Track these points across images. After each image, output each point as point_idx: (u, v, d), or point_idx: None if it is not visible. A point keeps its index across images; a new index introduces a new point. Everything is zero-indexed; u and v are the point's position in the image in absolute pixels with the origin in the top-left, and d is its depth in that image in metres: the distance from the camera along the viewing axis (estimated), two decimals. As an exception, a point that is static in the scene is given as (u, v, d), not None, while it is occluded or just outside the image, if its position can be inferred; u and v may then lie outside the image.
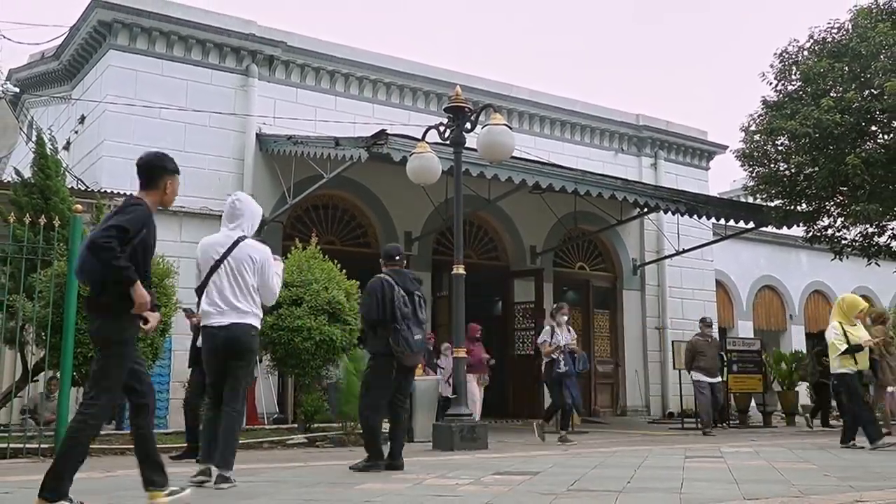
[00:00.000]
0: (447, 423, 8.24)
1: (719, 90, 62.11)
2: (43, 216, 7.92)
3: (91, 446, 7.74)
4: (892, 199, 12.08)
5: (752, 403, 14.30)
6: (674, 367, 14.16)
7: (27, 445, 7.42)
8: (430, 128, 8.87)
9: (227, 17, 12.53)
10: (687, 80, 62.63)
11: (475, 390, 11.28)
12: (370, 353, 5.96)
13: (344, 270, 10.10)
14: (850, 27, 12.17)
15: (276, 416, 11.58)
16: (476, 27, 63.86)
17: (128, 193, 11.00)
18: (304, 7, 62.79)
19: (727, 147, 17.54)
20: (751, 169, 13.14)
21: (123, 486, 5.02)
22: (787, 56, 12.70)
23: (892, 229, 13.22)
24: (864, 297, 10.19)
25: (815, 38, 12.49)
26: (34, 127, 13.01)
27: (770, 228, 15.30)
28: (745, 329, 18.82)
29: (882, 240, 13.33)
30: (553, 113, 15.70)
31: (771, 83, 12.86)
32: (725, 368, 13.08)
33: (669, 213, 13.83)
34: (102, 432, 9.12)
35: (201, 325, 5.11)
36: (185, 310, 7.89)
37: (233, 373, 4.90)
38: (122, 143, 11.37)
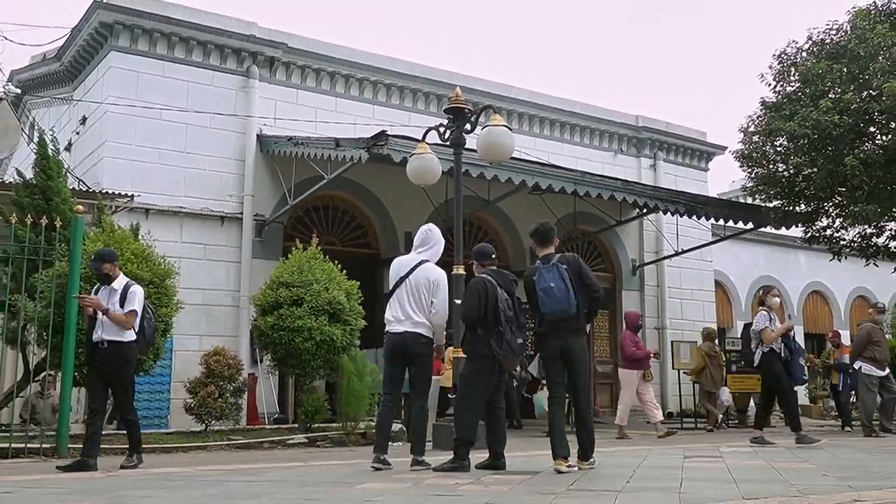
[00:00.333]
0: (448, 423, 8.27)
1: (718, 91, 62.20)
2: (44, 217, 7.97)
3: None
4: (891, 200, 12.12)
5: (752, 403, 14.34)
6: (673, 368, 14.20)
7: (28, 445, 7.45)
8: (430, 129, 8.89)
9: (228, 18, 12.56)
10: (686, 81, 62.71)
11: (646, 391, 10.74)
12: (470, 354, 5.78)
13: (344, 271, 10.14)
14: (848, 28, 12.21)
15: (276, 415, 11.62)
16: (473, 28, 63.94)
17: (129, 194, 11.18)
18: (304, 7, 62.84)
19: (726, 148, 17.59)
20: (750, 170, 13.17)
21: (124, 486, 5.08)
22: (785, 57, 12.73)
23: (891, 230, 13.24)
24: (860, 297, 10.40)
25: (813, 39, 12.52)
26: (36, 128, 13.04)
27: (769, 229, 15.34)
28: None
29: (880, 240, 13.35)
30: (553, 114, 15.74)
31: (770, 84, 12.90)
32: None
33: (669, 213, 13.87)
34: (104, 432, 9.20)
35: (385, 331, 6.03)
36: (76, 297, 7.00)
37: (412, 374, 5.91)
38: (123, 144, 11.43)
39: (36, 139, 10.18)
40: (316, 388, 10.40)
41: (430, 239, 6.10)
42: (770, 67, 12.87)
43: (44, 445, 7.45)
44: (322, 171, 11.11)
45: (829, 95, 11.95)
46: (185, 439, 8.82)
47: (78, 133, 12.68)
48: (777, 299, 8.76)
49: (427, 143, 8.86)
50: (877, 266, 14.21)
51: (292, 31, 13.25)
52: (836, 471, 5.50)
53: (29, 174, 9.93)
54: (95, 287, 6.63)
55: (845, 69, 11.93)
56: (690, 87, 62.62)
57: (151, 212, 11.40)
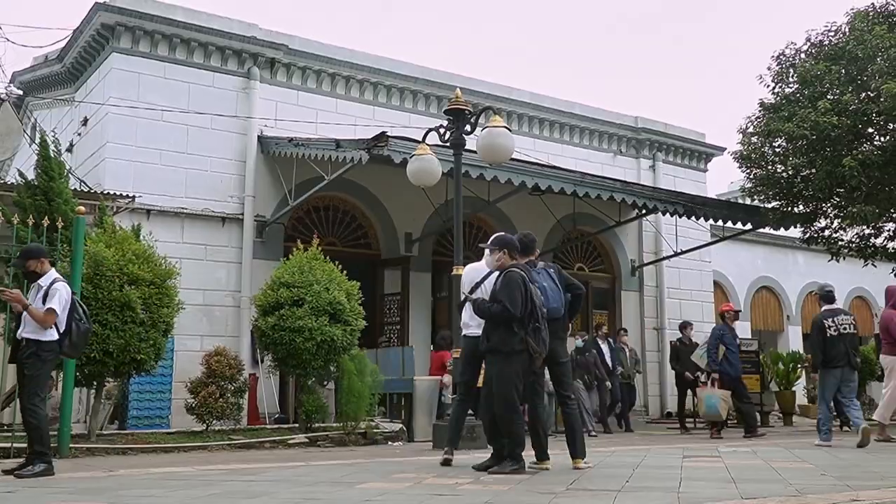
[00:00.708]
0: (447, 422, 8.30)
1: (717, 93, 62.20)
2: (46, 218, 7.99)
3: (94, 446, 7.87)
4: (889, 201, 12.17)
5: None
6: (672, 368, 14.23)
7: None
8: (430, 130, 8.93)
9: (229, 20, 12.58)
10: (685, 83, 62.72)
11: None
12: (506, 352, 5.52)
13: (345, 271, 10.16)
14: (846, 30, 12.26)
15: (277, 415, 11.65)
16: (473, 34, 63.95)
17: (130, 195, 11.20)
18: (305, 7, 62.83)
19: (725, 149, 17.63)
20: (748, 171, 13.21)
21: (125, 486, 5.09)
22: (784, 59, 12.78)
23: (889, 230, 13.30)
24: (858, 297, 10.51)
25: (812, 41, 12.57)
26: (37, 129, 13.05)
27: (767, 230, 15.40)
28: (742, 329, 18.81)
29: (878, 241, 13.41)
30: (552, 115, 15.77)
31: (768, 86, 12.95)
32: None
33: (668, 214, 13.90)
34: (105, 432, 9.24)
35: (462, 334, 6.27)
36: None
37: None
38: (124, 145, 11.45)
39: (38, 140, 10.21)
40: (319, 390, 10.43)
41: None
42: (769, 69, 12.93)
43: (46, 445, 7.47)
44: (322, 172, 11.15)
45: (828, 97, 12.00)
46: (186, 439, 8.84)
47: (79, 134, 12.71)
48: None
49: (427, 145, 8.90)
50: (875, 267, 14.26)
51: (293, 33, 13.27)
52: (834, 470, 5.53)
53: (31, 175, 9.96)
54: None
55: (844, 70, 11.98)
56: (689, 89, 62.67)
57: (153, 212, 11.43)
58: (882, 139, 12.15)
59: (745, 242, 18.49)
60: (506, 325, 5.51)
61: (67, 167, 10.61)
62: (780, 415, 15.09)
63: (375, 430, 9.71)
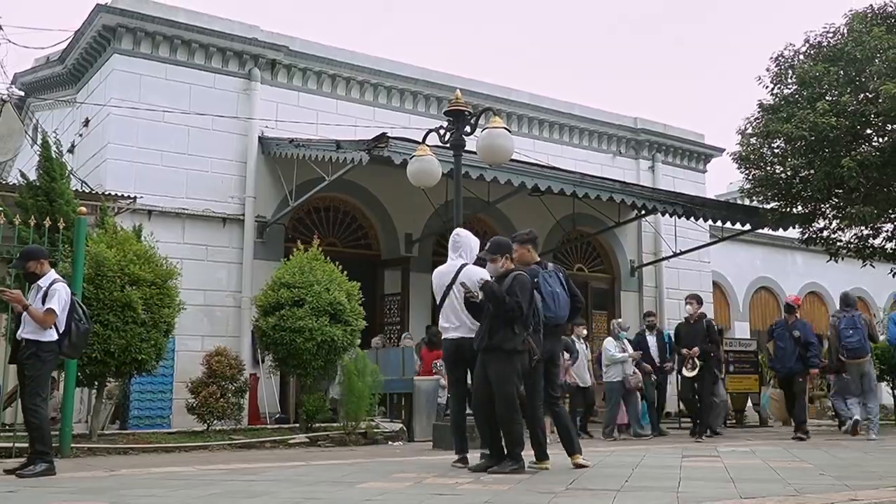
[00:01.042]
0: (447, 422, 8.33)
1: (716, 94, 62.26)
2: (48, 218, 8.02)
3: (95, 446, 7.90)
4: (887, 202, 12.21)
5: (749, 403, 14.41)
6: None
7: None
8: (430, 131, 8.96)
9: (230, 21, 12.63)
10: (684, 85, 62.78)
11: None
12: (504, 348, 5.49)
13: (345, 272, 10.19)
14: (845, 31, 12.27)
15: (277, 415, 11.68)
16: (473, 36, 63.99)
17: (131, 196, 11.23)
18: (306, 8, 62.87)
19: (724, 150, 17.65)
20: (747, 171, 13.23)
21: (127, 485, 5.11)
22: (783, 60, 12.80)
23: (887, 231, 13.32)
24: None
25: (810, 42, 12.59)
26: (39, 130, 13.11)
27: (766, 230, 15.42)
28: (741, 330, 18.96)
29: (877, 242, 13.42)
30: (552, 116, 15.81)
31: (767, 87, 12.96)
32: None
33: (667, 215, 13.93)
34: (107, 432, 9.28)
35: (442, 337, 6.18)
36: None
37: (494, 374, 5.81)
38: (126, 146, 11.49)
39: (39, 141, 10.26)
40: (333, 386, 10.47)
41: (460, 243, 6.23)
42: (767, 70, 12.95)
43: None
44: (323, 172, 11.18)
45: (826, 98, 12.02)
46: (187, 439, 8.87)
47: (81, 135, 12.75)
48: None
49: (427, 146, 8.93)
50: (873, 267, 14.29)
51: (294, 35, 13.32)
52: (833, 470, 5.55)
53: (32, 176, 10.01)
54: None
55: (842, 72, 12.00)
56: (689, 90, 62.72)
57: (154, 213, 11.47)
58: (880, 140, 12.18)
59: (744, 243, 18.53)
60: (508, 325, 5.49)
61: (69, 168, 10.65)
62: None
63: (376, 430, 9.74)
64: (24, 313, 6.00)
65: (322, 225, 13.24)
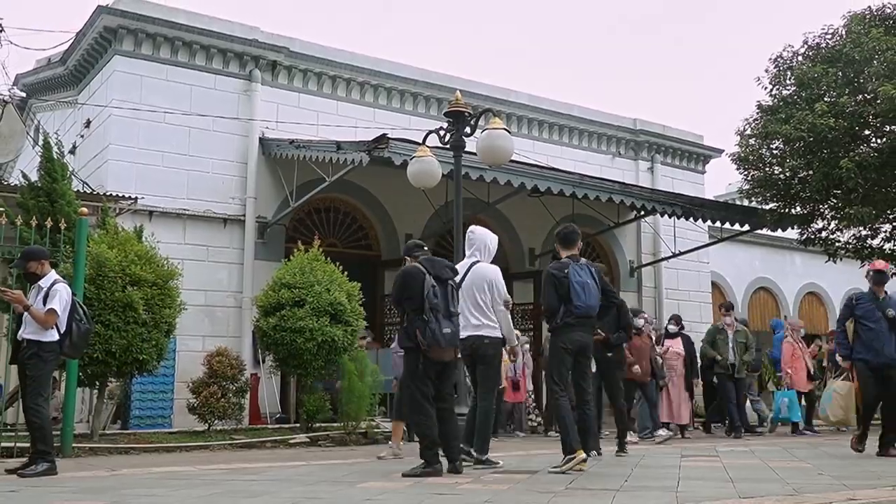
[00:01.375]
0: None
1: (716, 95, 62.29)
2: (49, 219, 8.04)
3: (96, 445, 7.92)
4: (885, 202, 12.25)
5: (748, 403, 14.44)
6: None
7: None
8: (430, 132, 8.99)
9: (231, 23, 12.66)
10: (684, 86, 62.81)
11: None
12: (402, 347, 5.64)
13: (346, 272, 10.22)
14: (843, 33, 12.33)
15: (278, 415, 11.71)
16: (473, 37, 64.00)
17: (132, 196, 11.25)
18: (306, 8, 62.89)
19: (723, 151, 17.67)
20: (746, 172, 13.28)
21: (128, 485, 5.13)
22: (781, 61, 12.85)
23: (885, 232, 13.37)
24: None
25: (809, 43, 12.65)
26: (41, 131, 13.14)
27: (765, 231, 15.46)
28: (740, 330, 18.96)
29: (875, 242, 13.48)
30: (551, 117, 15.85)
31: (766, 88, 13.03)
32: None
33: (666, 215, 13.96)
34: (108, 432, 9.31)
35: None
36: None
37: (478, 374, 6.03)
38: (127, 147, 11.52)
39: (41, 142, 10.29)
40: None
41: (474, 240, 6.25)
42: (766, 71, 13.01)
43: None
44: (323, 173, 11.21)
45: (825, 99, 12.08)
46: (188, 439, 8.90)
47: (82, 136, 12.78)
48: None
49: (427, 147, 8.95)
50: (872, 268, 14.33)
51: (294, 36, 13.35)
52: (831, 470, 5.57)
53: (34, 177, 10.04)
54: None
55: (840, 73, 12.05)
56: (688, 91, 62.75)
57: (155, 214, 11.50)
58: (879, 141, 12.23)
59: (743, 244, 18.56)
60: (408, 322, 5.51)
61: (70, 169, 10.68)
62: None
63: (376, 430, 9.76)
64: (26, 314, 6.02)
65: (322, 225, 13.27)
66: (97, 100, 12.27)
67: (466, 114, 8.68)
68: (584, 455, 5.49)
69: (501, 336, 6.06)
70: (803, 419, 11.40)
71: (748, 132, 13.06)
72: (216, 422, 9.47)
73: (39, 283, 6.13)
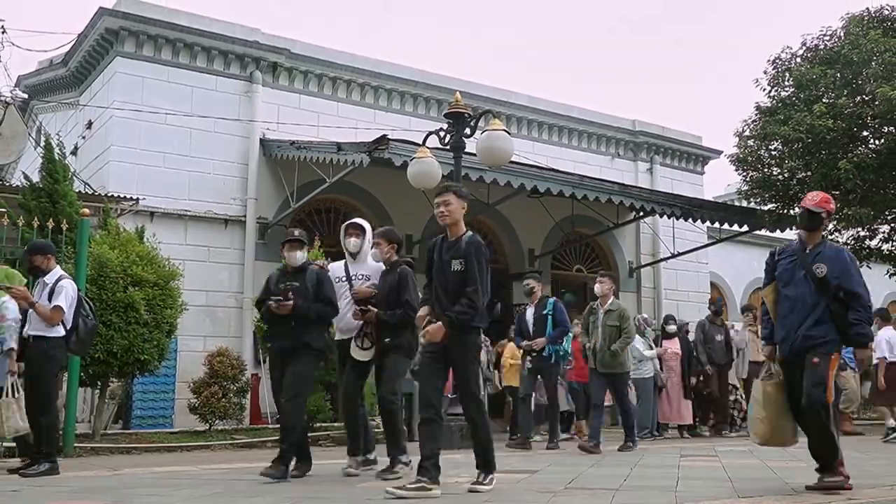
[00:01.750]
0: (447, 422, 8.39)
1: (715, 96, 62.35)
2: (51, 220, 8.09)
3: (98, 445, 7.95)
4: (883, 203, 12.29)
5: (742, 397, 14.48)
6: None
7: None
8: (430, 133, 9.03)
9: (232, 24, 12.70)
10: (683, 87, 62.88)
11: None
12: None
13: (346, 273, 10.23)
14: (841, 34, 12.36)
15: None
16: (473, 38, 64.05)
17: (134, 197, 11.29)
18: (305, 8, 62.94)
19: (722, 152, 17.70)
20: (745, 173, 13.31)
21: (130, 485, 5.14)
22: (780, 63, 12.88)
23: (884, 233, 13.41)
24: None
25: (807, 45, 12.68)
26: (42, 132, 13.17)
27: (763, 232, 15.48)
28: (739, 331, 19.00)
29: (873, 243, 13.52)
30: (551, 119, 15.89)
31: (764, 89, 13.05)
32: None
33: (665, 216, 13.99)
34: (109, 432, 9.34)
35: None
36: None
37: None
38: (128, 148, 11.56)
39: (42, 143, 10.33)
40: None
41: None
42: (765, 72, 13.03)
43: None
44: (324, 174, 11.25)
45: (823, 100, 12.10)
46: (189, 438, 8.94)
47: (84, 137, 12.81)
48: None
49: (427, 148, 8.99)
50: (870, 268, 14.32)
51: (295, 37, 13.38)
52: (829, 469, 5.62)
53: (36, 178, 10.08)
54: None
55: (839, 74, 12.08)
56: (688, 92, 62.80)
57: (156, 214, 11.54)
58: (877, 142, 12.27)
59: (742, 244, 18.59)
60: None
61: (72, 170, 10.73)
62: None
63: (376, 430, 9.78)
64: (30, 310, 5.99)
65: (323, 226, 13.29)
66: (99, 101, 12.31)
67: (466, 115, 8.71)
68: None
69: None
70: None
71: (747, 133, 13.10)
72: (217, 422, 9.51)
73: (44, 278, 6.09)
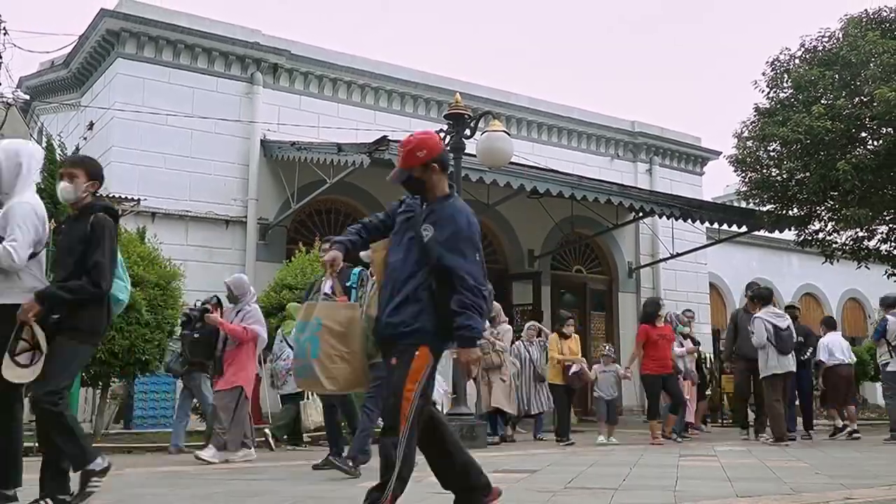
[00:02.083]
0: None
1: (714, 96, 62.42)
2: (52, 220, 8.10)
3: (99, 445, 7.96)
4: (882, 204, 12.32)
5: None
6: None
7: (36, 444, 7.58)
8: (430, 134, 9.07)
9: (232, 26, 12.74)
10: (683, 87, 62.95)
11: None
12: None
13: (346, 274, 10.27)
14: (840, 36, 12.40)
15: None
16: (473, 39, 64.10)
17: (135, 198, 11.31)
18: (304, 8, 62.97)
19: (721, 153, 17.74)
20: (744, 174, 13.34)
21: (130, 485, 5.16)
22: (778, 64, 12.91)
23: (882, 233, 13.43)
24: (852, 299, 10.45)
25: (806, 46, 12.72)
26: (44, 133, 13.19)
27: (762, 232, 15.53)
28: (739, 331, 19.04)
29: (872, 243, 13.55)
30: (551, 120, 15.93)
31: (763, 91, 13.09)
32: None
33: (664, 217, 14.03)
34: (111, 431, 9.37)
35: None
36: None
37: None
38: (129, 149, 11.60)
39: (44, 144, 10.34)
40: None
41: None
42: (763, 74, 13.07)
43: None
44: (324, 175, 11.29)
45: (822, 101, 12.14)
46: (190, 438, 8.96)
47: (85, 138, 12.83)
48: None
49: (427, 149, 9.03)
50: (868, 269, 14.41)
51: (295, 39, 13.42)
52: (828, 469, 5.62)
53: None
54: None
55: (837, 76, 12.12)
56: (687, 93, 62.87)
57: (157, 215, 11.57)
58: (875, 143, 12.31)
59: (741, 245, 18.67)
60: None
61: (73, 171, 10.70)
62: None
63: (377, 430, 9.81)
64: None
65: (323, 227, 13.32)
66: (100, 102, 12.35)
67: (466, 116, 8.75)
68: None
69: None
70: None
71: (746, 134, 13.13)
72: (218, 422, 9.50)
73: None
